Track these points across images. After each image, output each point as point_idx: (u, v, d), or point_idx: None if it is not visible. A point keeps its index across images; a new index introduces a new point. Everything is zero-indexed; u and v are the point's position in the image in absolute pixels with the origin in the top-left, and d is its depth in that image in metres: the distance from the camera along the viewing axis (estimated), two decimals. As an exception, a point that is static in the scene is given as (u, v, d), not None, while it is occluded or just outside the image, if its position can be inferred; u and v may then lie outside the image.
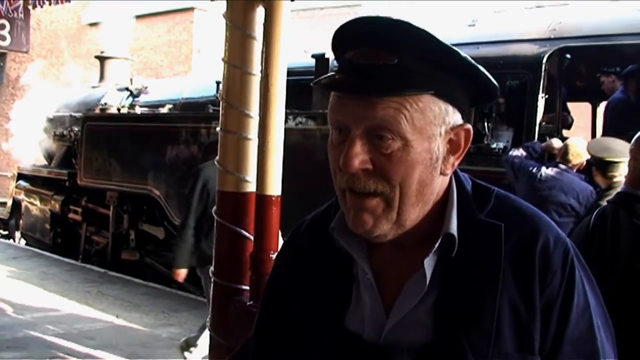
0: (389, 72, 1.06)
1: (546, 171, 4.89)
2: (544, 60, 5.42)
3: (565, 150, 4.99)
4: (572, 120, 6.37)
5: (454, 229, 1.12)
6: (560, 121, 5.85)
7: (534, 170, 4.92)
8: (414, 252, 1.13)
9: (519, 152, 5.09)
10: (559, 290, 1.10)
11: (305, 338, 1.20)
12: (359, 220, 1.09)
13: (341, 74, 1.10)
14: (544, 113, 5.57)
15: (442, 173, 1.13)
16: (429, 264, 1.11)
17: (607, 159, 4.30)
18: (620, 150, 4.31)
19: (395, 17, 1.08)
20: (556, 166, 4.94)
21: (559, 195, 4.82)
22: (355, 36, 1.09)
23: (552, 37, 5.64)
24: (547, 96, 5.53)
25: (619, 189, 4.24)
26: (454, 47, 1.08)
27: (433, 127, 1.09)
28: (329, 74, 1.13)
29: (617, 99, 5.87)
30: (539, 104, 5.43)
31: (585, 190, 4.88)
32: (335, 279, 1.20)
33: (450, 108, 1.10)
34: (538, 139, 5.39)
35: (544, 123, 5.55)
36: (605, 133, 5.82)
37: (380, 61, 1.06)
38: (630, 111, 5.61)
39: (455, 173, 1.18)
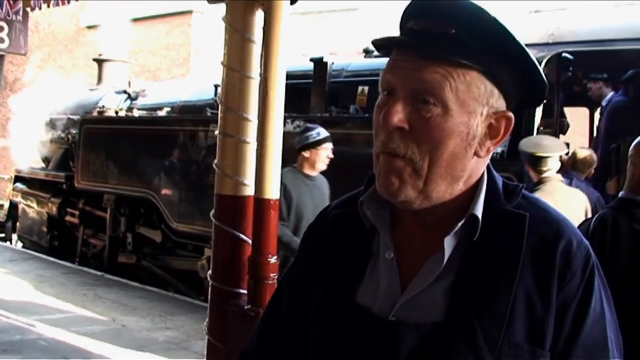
0: (444, 40, 1.10)
1: None
2: (542, 65, 5.44)
3: (574, 160, 5.23)
4: (568, 125, 6.38)
5: (479, 211, 1.13)
6: (557, 126, 5.86)
7: None
8: (438, 232, 1.14)
9: None
10: (576, 291, 1.10)
11: (317, 310, 1.22)
12: (386, 180, 1.12)
13: (399, 37, 1.16)
14: (542, 118, 5.59)
15: (476, 154, 1.14)
16: (449, 242, 1.12)
17: (537, 154, 4.51)
18: (549, 146, 4.57)
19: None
20: (567, 173, 5.16)
21: None
22: (420, 8, 1.14)
23: (550, 42, 5.65)
24: (545, 101, 5.54)
25: (548, 183, 4.43)
26: (513, 33, 1.11)
27: (475, 104, 1.11)
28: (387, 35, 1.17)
29: (618, 101, 5.89)
30: (537, 109, 5.44)
31: (592, 195, 5.11)
32: (352, 253, 1.22)
33: (496, 91, 1.13)
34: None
35: (541, 128, 5.57)
36: (603, 136, 5.86)
37: (438, 30, 1.10)
38: (630, 115, 5.65)
39: (488, 167, 1.20)
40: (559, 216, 1.17)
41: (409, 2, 1.16)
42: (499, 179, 1.21)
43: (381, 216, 1.20)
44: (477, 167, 1.16)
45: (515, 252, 1.10)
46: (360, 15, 14.78)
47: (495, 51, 1.11)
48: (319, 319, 1.22)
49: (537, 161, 4.53)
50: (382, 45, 1.17)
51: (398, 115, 1.09)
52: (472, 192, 1.16)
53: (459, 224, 1.12)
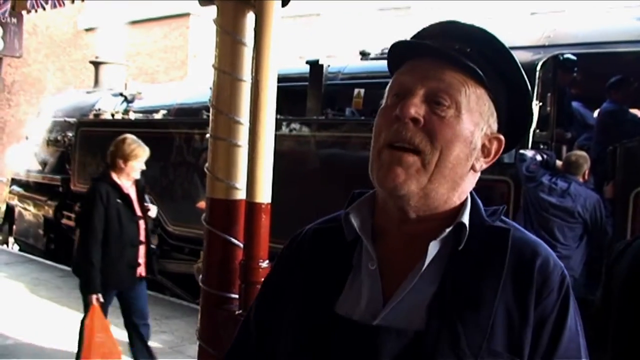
0: (463, 54, 1.17)
1: (557, 181, 5.23)
2: (538, 68, 5.42)
3: (568, 164, 5.25)
4: (570, 137, 6.30)
5: (466, 220, 1.15)
6: (554, 128, 5.84)
7: (545, 180, 5.25)
8: (421, 244, 1.15)
9: (536, 157, 5.31)
10: (553, 308, 1.12)
11: (293, 322, 1.22)
12: (391, 172, 1.13)
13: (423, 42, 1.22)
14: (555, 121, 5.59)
15: (473, 167, 1.19)
16: (433, 247, 1.14)
17: None
18: None
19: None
20: (564, 177, 5.26)
21: (568, 203, 5.17)
22: (437, 30, 1.23)
23: (547, 44, 5.63)
24: (541, 103, 5.53)
25: None
26: (519, 61, 1.20)
27: (480, 118, 1.17)
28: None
29: (606, 110, 5.90)
30: (533, 111, 5.42)
31: (592, 198, 5.23)
32: (331, 267, 1.23)
33: (495, 113, 1.20)
34: (532, 147, 5.42)
35: (537, 131, 5.55)
36: (594, 144, 5.85)
37: (455, 47, 1.18)
38: (618, 121, 5.68)
39: (471, 192, 1.23)
40: (535, 238, 1.21)
41: (426, 26, 1.24)
42: (481, 203, 1.24)
43: (364, 228, 1.21)
44: (469, 181, 1.20)
45: (499, 263, 1.14)
46: (357, 18, 14.76)
47: (502, 76, 1.19)
48: (295, 330, 1.21)
49: None
50: (399, 52, 1.21)
51: (415, 108, 1.13)
52: (457, 209, 1.19)
53: (447, 230, 1.14)
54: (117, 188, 4.92)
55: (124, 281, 4.92)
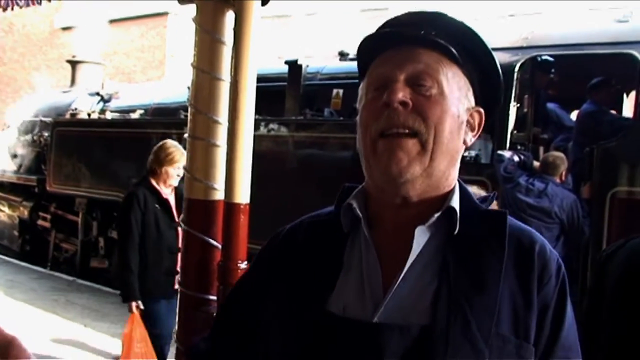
0: (431, 36, 1.20)
1: (534, 182, 5.26)
2: (516, 69, 5.45)
3: (545, 165, 5.36)
4: (544, 139, 6.34)
5: (455, 204, 1.17)
6: (531, 129, 5.88)
7: (522, 181, 5.29)
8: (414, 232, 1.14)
9: (514, 157, 5.34)
10: (553, 294, 1.14)
11: (280, 321, 1.19)
12: (394, 158, 1.13)
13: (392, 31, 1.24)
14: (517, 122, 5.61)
15: (464, 142, 1.21)
16: (420, 232, 1.14)
17: None
18: None
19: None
20: (541, 177, 5.31)
21: (545, 203, 5.22)
22: (397, 22, 1.25)
23: (525, 45, 5.66)
24: (518, 104, 5.56)
25: None
26: (485, 40, 1.24)
27: (459, 93, 1.19)
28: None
29: (586, 111, 5.94)
30: (510, 112, 5.45)
31: (569, 198, 5.27)
32: (322, 263, 1.20)
33: (471, 89, 1.22)
34: (510, 148, 5.45)
35: (515, 132, 5.58)
36: (573, 145, 5.89)
37: (422, 31, 1.20)
38: (597, 122, 5.72)
39: (459, 180, 1.24)
40: (528, 227, 1.22)
41: (384, 22, 1.26)
42: (469, 189, 1.25)
43: (362, 223, 1.20)
44: (460, 158, 1.22)
45: (499, 246, 1.14)
46: (337, 19, 14.77)
47: (469, 53, 1.21)
48: (286, 329, 1.17)
49: None
50: (368, 49, 1.24)
51: (403, 92, 1.14)
52: (447, 195, 1.19)
53: (436, 215, 1.14)
54: (156, 193, 4.75)
55: (165, 289, 4.67)
